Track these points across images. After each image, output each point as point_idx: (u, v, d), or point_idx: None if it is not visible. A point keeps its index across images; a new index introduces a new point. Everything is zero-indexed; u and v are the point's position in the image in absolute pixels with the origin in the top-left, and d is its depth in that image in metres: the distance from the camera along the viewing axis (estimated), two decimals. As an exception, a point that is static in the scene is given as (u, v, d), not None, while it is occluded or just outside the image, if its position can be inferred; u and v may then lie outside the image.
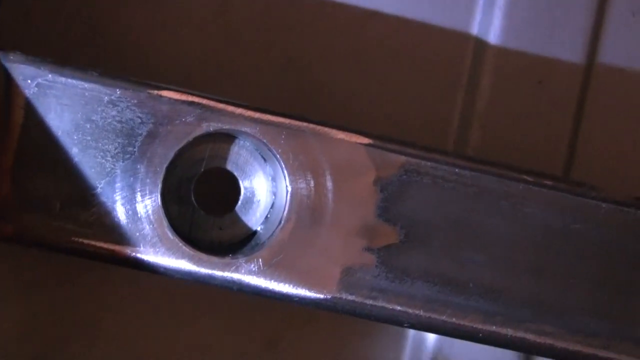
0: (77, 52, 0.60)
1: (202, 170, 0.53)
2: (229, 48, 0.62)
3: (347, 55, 0.63)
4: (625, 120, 0.66)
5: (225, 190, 0.54)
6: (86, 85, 0.51)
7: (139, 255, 0.51)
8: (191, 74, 0.61)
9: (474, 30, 0.64)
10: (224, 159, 0.54)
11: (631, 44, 0.66)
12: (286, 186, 0.52)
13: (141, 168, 0.51)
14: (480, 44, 0.64)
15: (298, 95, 0.62)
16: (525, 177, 0.53)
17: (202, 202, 0.54)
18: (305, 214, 0.52)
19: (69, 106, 0.51)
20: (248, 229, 0.54)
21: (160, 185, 0.51)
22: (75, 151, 0.51)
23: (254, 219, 0.54)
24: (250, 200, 0.54)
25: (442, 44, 0.64)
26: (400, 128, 0.63)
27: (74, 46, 0.60)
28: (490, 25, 0.64)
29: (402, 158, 0.53)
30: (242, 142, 0.53)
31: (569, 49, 0.64)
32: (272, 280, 0.52)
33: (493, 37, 0.64)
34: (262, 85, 0.62)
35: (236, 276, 0.51)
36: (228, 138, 0.53)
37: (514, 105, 0.64)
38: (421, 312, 0.53)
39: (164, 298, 0.62)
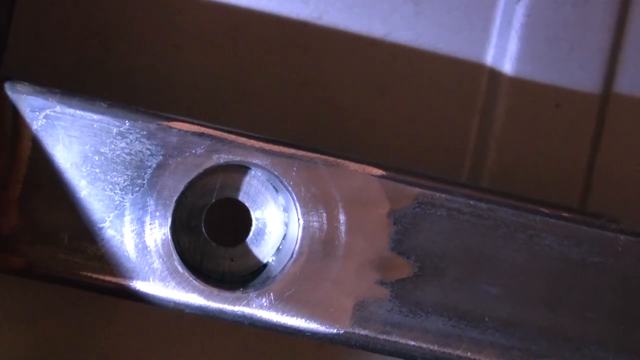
0: (89, 73, 0.59)
1: (213, 200, 0.52)
2: (242, 70, 0.61)
3: (363, 79, 0.62)
4: (645, 144, 0.65)
5: (237, 221, 0.53)
6: (95, 116, 0.50)
7: (148, 289, 0.50)
8: (204, 95, 0.61)
9: (490, 53, 0.63)
10: (236, 189, 0.53)
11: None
12: (298, 219, 0.51)
13: (150, 201, 0.50)
14: (496, 67, 0.63)
15: (312, 118, 0.61)
16: (541, 208, 0.52)
17: (213, 232, 0.53)
18: (318, 247, 0.51)
19: (77, 138, 0.50)
20: (259, 260, 0.53)
21: (170, 219, 0.50)
22: (83, 184, 0.50)
23: (266, 251, 0.53)
24: (261, 232, 0.53)
25: (458, 67, 0.63)
26: (416, 152, 0.62)
27: (86, 68, 0.59)
28: (506, 48, 0.63)
29: (416, 190, 0.52)
30: (253, 172, 0.52)
31: (586, 71, 0.63)
32: (284, 315, 0.51)
33: (509, 60, 0.63)
34: (275, 108, 0.61)
35: (247, 311, 0.51)
36: (239, 168, 0.53)
37: (531, 129, 0.63)
38: (436, 347, 0.52)
39: (176, 323, 0.61)
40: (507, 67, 0.63)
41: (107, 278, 0.50)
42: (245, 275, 0.53)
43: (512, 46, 0.63)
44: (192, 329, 0.61)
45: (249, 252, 0.53)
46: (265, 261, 0.53)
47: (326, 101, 0.61)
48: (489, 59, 0.63)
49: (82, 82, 0.58)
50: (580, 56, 0.63)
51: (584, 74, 0.63)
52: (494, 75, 0.63)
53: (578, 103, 0.63)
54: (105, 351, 0.61)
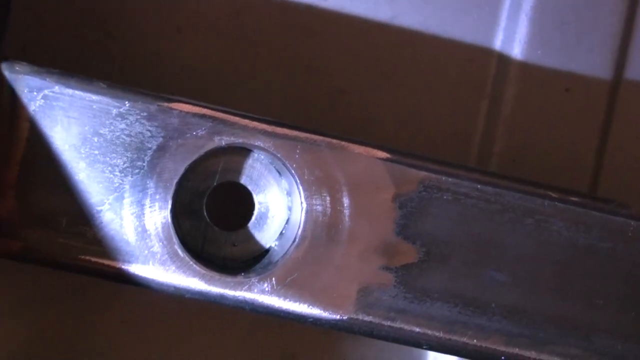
0: (90, 57, 0.59)
1: (215, 184, 0.51)
2: (245, 54, 0.60)
3: (369, 63, 0.61)
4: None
5: (239, 205, 0.52)
6: (94, 97, 0.49)
7: (148, 273, 0.49)
8: (206, 79, 0.60)
9: (499, 37, 0.62)
10: (238, 172, 0.52)
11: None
12: (301, 203, 0.50)
13: (151, 183, 0.49)
14: (505, 51, 0.62)
15: (316, 104, 0.60)
16: (550, 193, 0.51)
17: (215, 216, 0.52)
18: (321, 231, 0.50)
19: (76, 119, 0.49)
20: (262, 245, 0.52)
21: (170, 202, 0.49)
22: (82, 166, 0.49)
23: (268, 235, 0.52)
24: (264, 216, 0.52)
25: (466, 52, 0.62)
26: (423, 137, 0.61)
27: (88, 51, 0.59)
28: (515, 32, 0.61)
29: (422, 173, 0.51)
30: (256, 155, 0.51)
31: (597, 55, 0.62)
32: (286, 300, 0.50)
33: (518, 44, 0.62)
34: (279, 92, 0.60)
35: (248, 296, 0.50)
36: (242, 150, 0.52)
37: (540, 114, 0.62)
38: (441, 334, 0.51)
39: (176, 311, 0.60)
40: (516, 51, 0.62)
41: (106, 262, 0.49)
42: (248, 260, 0.52)
43: (522, 30, 0.62)
44: (193, 315, 0.60)
45: (251, 237, 0.52)
46: (267, 246, 0.52)
47: (330, 86, 0.60)
48: (498, 43, 0.62)
49: (84, 66, 0.57)
50: (590, 40, 0.62)
51: (594, 58, 0.62)
52: (503, 59, 0.62)
53: (588, 88, 0.62)
54: (106, 338, 0.60)
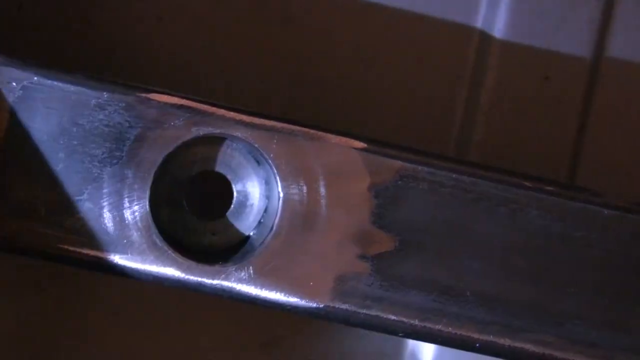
0: (71, 46, 0.59)
1: (194, 173, 0.52)
2: (226, 41, 0.60)
3: (348, 49, 0.61)
4: (634, 117, 0.64)
5: (219, 195, 0.53)
6: (72, 88, 0.49)
7: (126, 263, 0.50)
8: (187, 68, 0.60)
9: (479, 23, 0.62)
10: (217, 162, 0.52)
11: (641, 38, 0.64)
12: (278, 192, 0.50)
13: (129, 173, 0.49)
14: (484, 38, 0.62)
15: (296, 91, 0.61)
16: (524, 182, 0.52)
17: (194, 206, 0.52)
18: (298, 220, 0.51)
19: (55, 110, 0.49)
20: (241, 234, 0.53)
21: (148, 191, 0.50)
22: (61, 156, 0.49)
23: (247, 224, 0.53)
24: (243, 205, 0.53)
25: (445, 37, 0.62)
26: (401, 124, 0.62)
27: (67, 40, 0.59)
28: (495, 19, 0.62)
29: (398, 163, 0.51)
30: (235, 144, 0.52)
31: (576, 43, 0.63)
32: (263, 289, 0.50)
33: (498, 30, 0.62)
34: (259, 80, 0.61)
35: (226, 284, 0.50)
36: (221, 140, 0.52)
37: (519, 101, 0.63)
38: (416, 322, 0.51)
39: (157, 298, 0.61)
40: (496, 38, 0.62)
41: (85, 251, 0.50)
42: (228, 248, 0.53)
43: (501, 17, 0.62)
44: (176, 303, 0.61)
45: (230, 226, 0.53)
46: (246, 234, 0.52)
47: (310, 73, 0.60)
48: (477, 30, 0.62)
49: (63, 55, 0.57)
50: (569, 27, 0.62)
51: (573, 45, 0.63)
52: (482, 47, 0.62)
53: (567, 75, 0.63)
54: (90, 325, 0.61)
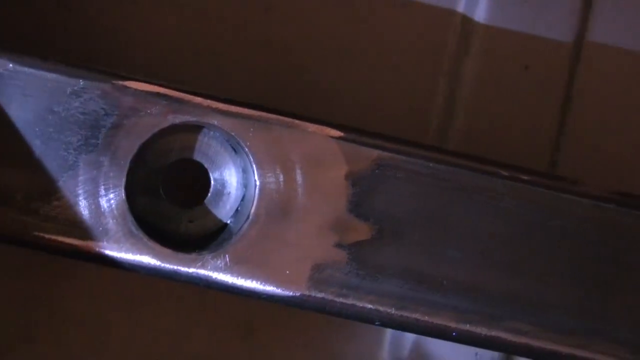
0: (46, 31, 0.58)
1: (171, 161, 0.52)
2: (204, 29, 0.60)
3: (326, 38, 0.61)
4: (614, 105, 0.64)
5: (196, 183, 0.53)
6: (48, 75, 0.49)
7: (102, 250, 0.50)
8: (166, 56, 0.60)
9: (459, 12, 0.62)
10: (195, 150, 0.52)
11: (621, 26, 0.64)
12: (255, 180, 0.50)
13: (105, 161, 0.49)
14: (465, 26, 0.62)
15: (275, 80, 0.61)
16: (501, 171, 0.52)
17: (171, 194, 0.52)
18: (275, 208, 0.50)
19: (31, 97, 0.49)
20: (218, 221, 0.53)
21: (124, 179, 0.50)
22: (37, 143, 0.49)
23: (224, 212, 0.53)
24: (220, 193, 0.53)
25: (425, 26, 0.62)
26: (380, 114, 0.62)
27: (44, 25, 0.58)
28: (475, 7, 0.62)
29: (375, 152, 0.51)
30: (212, 133, 0.52)
31: (556, 33, 0.63)
32: (239, 277, 0.50)
33: (478, 18, 0.62)
34: (239, 68, 0.61)
35: (202, 272, 0.50)
36: (198, 128, 0.52)
37: (499, 91, 0.63)
38: (393, 311, 0.51)
39: (136, 284, 0.61)
40: (476, 27, 0.62)
41: (61, 239, 0.50)
42: (205, 236, 0.52)
43: (482, 5, 0.62)
44: (155, 289, 0.61)
45: (207, 214, 0.53)
46: (224, 222, 0.52)
47: (289, 62, 0.60)
48: (458, 18, 0.62)
49: (40, 40, 0.57)
50: (550, 17, 0.62)
51: (553, 35, 0.62)
52: (462, 35, 0.62)
53: (547, 65, 0.63)
54: (66, 308, 0.61)
